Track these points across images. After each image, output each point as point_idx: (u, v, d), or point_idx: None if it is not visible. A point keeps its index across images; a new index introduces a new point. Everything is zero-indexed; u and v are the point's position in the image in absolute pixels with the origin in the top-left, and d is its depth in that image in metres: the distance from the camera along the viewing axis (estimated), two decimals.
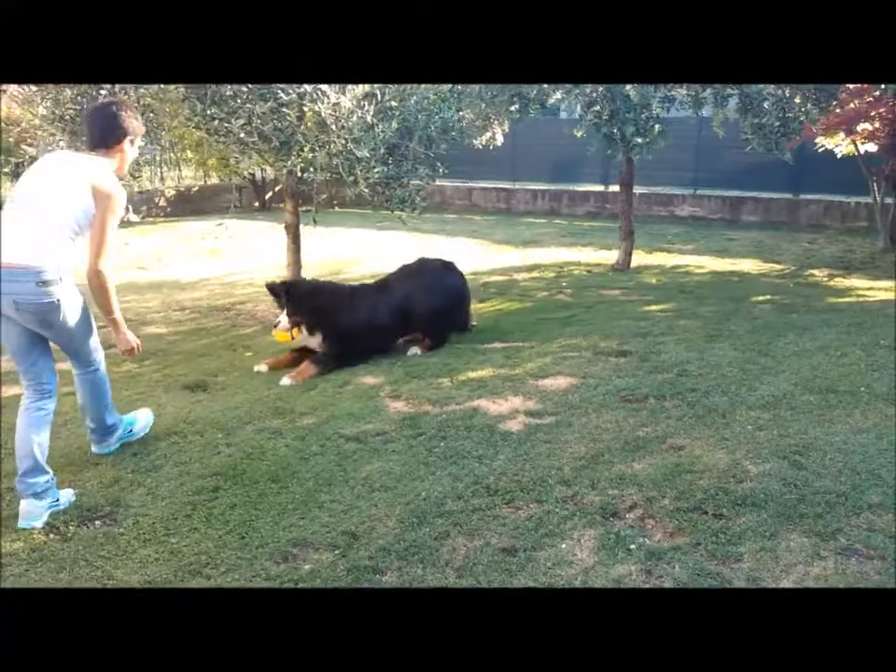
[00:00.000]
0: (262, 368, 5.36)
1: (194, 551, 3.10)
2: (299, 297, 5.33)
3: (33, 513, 3.36)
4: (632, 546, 3.03)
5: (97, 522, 3.40)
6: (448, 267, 6.25)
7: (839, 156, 10.97)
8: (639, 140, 7.29)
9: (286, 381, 5.01)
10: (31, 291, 3.33)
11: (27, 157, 10.49)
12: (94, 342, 3.75)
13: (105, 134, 3.64)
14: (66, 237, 3.44)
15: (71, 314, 3.50)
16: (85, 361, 3.78)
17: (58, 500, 3.48)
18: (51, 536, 3.28)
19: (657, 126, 7.34)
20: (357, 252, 10.75)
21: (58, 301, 3.39)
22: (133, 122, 3.72)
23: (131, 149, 3.73)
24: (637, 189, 10.90)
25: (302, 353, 5.49)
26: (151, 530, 3.28)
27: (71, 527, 3.34)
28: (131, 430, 4.14)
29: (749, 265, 9.50)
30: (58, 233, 3.40)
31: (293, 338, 5.46)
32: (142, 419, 4.21)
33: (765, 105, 7.51)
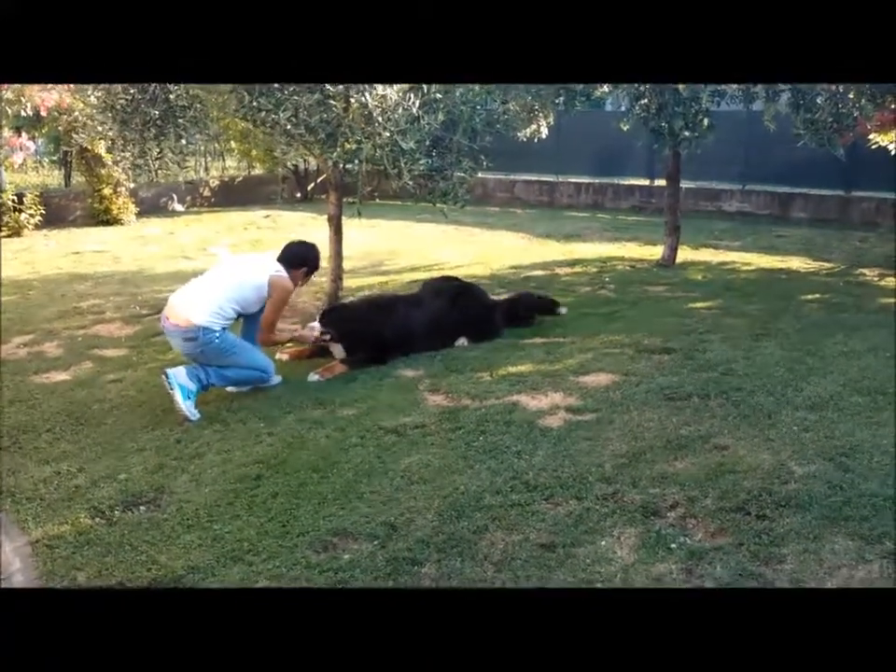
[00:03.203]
0: (284, 356, 5.41)
1: (236, 538, 3.15)
2: (335, 322, 5.31)
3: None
4: (673, 545, 3.00)
5: (142, 507, 3.47)
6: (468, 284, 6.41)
7: (893, 152, 10.69)
8: (688, 134, 7.15)
9: (313, 377, 5.04)
10: (179, 343, 4.69)
11: (77, 145, 10.73)
12: (244, 362, 4.75)
13: (292, 259, 5.01)
14: (230, 307, 4.68)
15: (209, 355, 4.63)
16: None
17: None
18: (97, 520, 3.35)
19: (706, 120, 7.19)
20: (397, 244, 10.77)
21: (200, 351, 4.60)
22: (315, 261, 5.20)
23: (302, 276, 5.10)
24: (684, 184, 10.69)
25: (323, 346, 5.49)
26: (195, 516, 3.34)
27: (116, 512, 3.41)
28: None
29: (798, 263, 9.29)
30: (223, 304, 4.65)
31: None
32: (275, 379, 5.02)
33: (818, 100, 7.33)
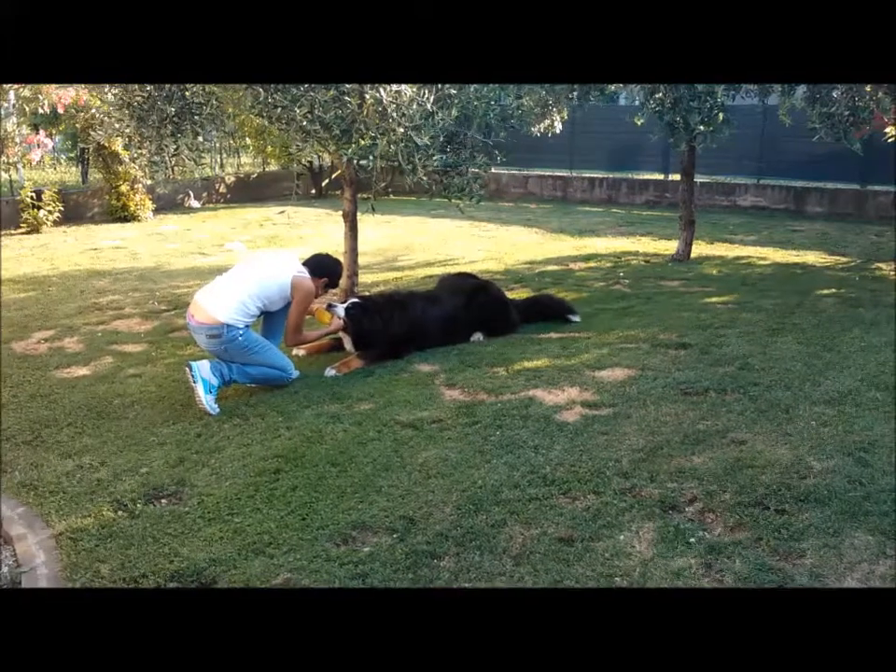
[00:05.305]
0: (301, 352, 5.44)
1: (257, 530, 3.18)
2: (358, 317, 5.29)
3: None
4: (692, 539, 3.01)
5: (163, 500, 3.51)
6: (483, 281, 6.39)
7: None
8: (703, 128, 7.13)
9: (330, 371, 5.07)
10: (204, 340, 4.73)
11: (94, 143, 10.81)
12: (265, 361, 4.77)
13: (316, 267, 5.08)
14: (254, 304, 4.75)
15: (232, 352, 4.66)
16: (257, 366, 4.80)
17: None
18: (119, 513, 3.39)
19: (721, 114, 7.16)
20: (411, 239, 10.79)
21: (224, 348, 4.64)
22: (336, 276, 5.34)
23: (321, 285, 5.12)
24: (699, 178, 10.69)
25: (339, 340, 5.51)
26: (216, 509, 3.37)
27: (138, 505, 3.45)
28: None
29: (814, 257, 9.25)
30: (246, 301, 4.70)
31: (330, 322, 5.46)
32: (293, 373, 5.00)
33: (834, 93, 7.29)
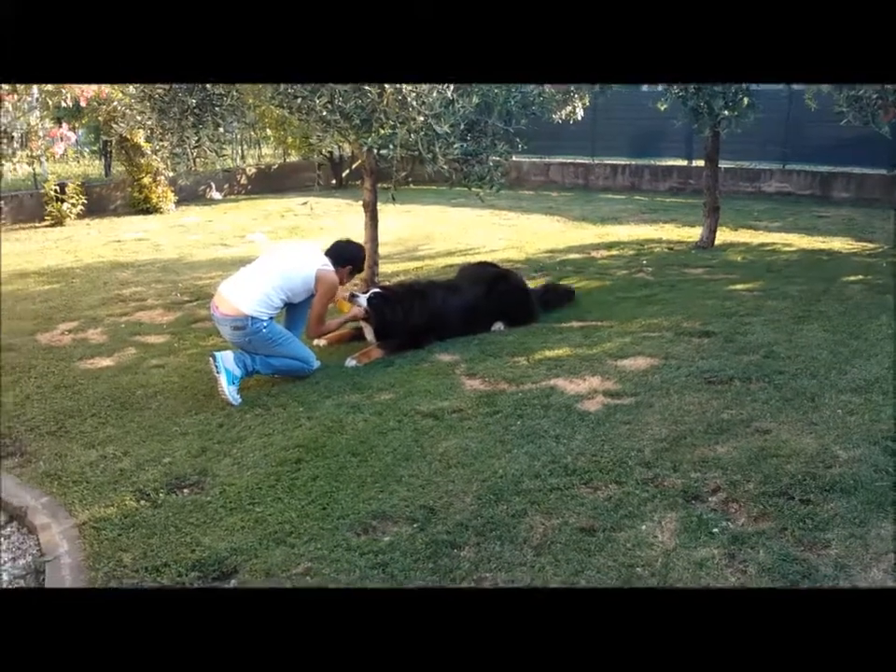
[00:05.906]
0: (322, 342, 5.45)
1: (278, 520, 3.19)
2: (379, 307, 5.29)
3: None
4: (715, 530, 2.98)
5: (185, 490, 3.53)
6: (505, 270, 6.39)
7: None
8: (727, 113, 7.03)
9: (350, 362, 5.07)
10: (228, 332, 4.73)
11: (116, 135, 10.88)
12: (289, 352, 4.79)
13: (339, 256, 5.08)
14: (278, 296, 4.76)
15: (256, 344, 4.68)
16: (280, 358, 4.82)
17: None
18: (142, 503, 3.42)
19: (746, 99, 7.06)
20: (432, 228, 10.76)
21: (248, 340, 4.66)
22: (361, 261, 5.38)
23: (346, 273, 5.14)
24: (723, 164, 10.53)
25: (360, 331, 5.51)
26: (237, 499, 3.39)
27: (161, 495, 3.47)
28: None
29: (840, 244, 9.10)
30: (270, 293, 4.72)
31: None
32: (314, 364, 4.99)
33: None
